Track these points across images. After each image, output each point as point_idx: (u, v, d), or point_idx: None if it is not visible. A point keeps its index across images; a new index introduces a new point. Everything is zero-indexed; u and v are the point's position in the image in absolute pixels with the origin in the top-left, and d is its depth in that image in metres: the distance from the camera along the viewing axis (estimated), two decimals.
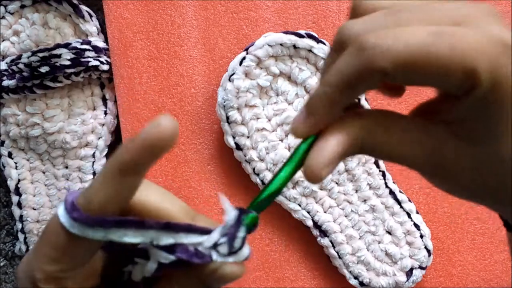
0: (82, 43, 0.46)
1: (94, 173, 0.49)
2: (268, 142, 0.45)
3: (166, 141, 0.21)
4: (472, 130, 0.22)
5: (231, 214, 0.24)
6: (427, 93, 0.48)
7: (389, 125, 0.23)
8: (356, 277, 0.47)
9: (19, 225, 0.49)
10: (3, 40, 0.48)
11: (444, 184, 0.24)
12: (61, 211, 0.23)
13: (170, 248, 0.23)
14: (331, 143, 0.22)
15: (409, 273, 0.47)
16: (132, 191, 0.23)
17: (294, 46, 0.44)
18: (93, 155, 0.49)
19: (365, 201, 0.47)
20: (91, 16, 0.47)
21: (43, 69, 0.46)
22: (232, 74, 0.45)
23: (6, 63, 0.47)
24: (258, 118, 0.45)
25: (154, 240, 0.23)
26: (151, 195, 0.25)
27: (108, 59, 0.48)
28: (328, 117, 0.22)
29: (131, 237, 0.23)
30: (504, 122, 0.21)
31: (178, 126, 0.21)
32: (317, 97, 0.22)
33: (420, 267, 0.47)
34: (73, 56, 0.46)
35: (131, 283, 0.25)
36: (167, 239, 0.23)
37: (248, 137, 0.45)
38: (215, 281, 0.24)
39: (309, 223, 0.46)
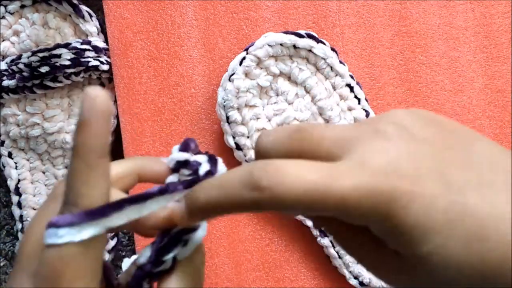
0: (82, 43, 0.46)
1: None
2: None
3: (109, 106, 0.22)
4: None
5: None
6: (427, 93, 0.48)
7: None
8: (356, 277, 0.47)
9: (19, 225, 0.49)
10: (3, 40, 0.48)
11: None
12: (47, 232, 0.21)
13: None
14: None
15: None
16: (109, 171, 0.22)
17: (294, 46, 0.44)
18: None
19: None
20: (91, 16, 0.47)
21: (43, 69, 0.46)
22: (232, 74, 0.45)
23: (6, 63, 0.47)
24: (258, 118, 0.45)
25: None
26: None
27: (108, 59, 0.48)
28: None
29: (132, 214, 0.22)
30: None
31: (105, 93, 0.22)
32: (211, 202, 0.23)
33: None
34: (73, 56, 0.46)
35: None
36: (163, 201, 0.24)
37: (248, 137, 0.45)
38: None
39: (309, 223, 0.46)
